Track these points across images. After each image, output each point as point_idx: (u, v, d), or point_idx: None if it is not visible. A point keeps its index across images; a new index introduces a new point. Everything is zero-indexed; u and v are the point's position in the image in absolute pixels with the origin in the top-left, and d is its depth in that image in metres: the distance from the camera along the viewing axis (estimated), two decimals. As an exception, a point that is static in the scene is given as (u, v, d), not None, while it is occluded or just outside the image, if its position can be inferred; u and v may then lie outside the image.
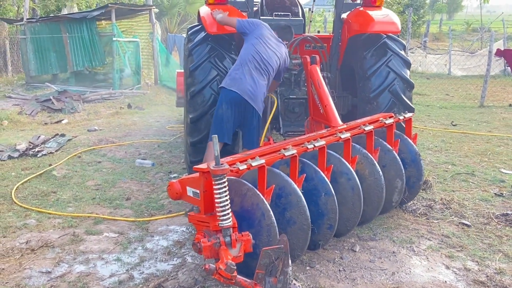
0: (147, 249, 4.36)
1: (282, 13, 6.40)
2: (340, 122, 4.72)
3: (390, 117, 4.90)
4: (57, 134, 8.71)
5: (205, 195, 3.50)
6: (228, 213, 3.23)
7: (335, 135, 4.24)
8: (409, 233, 4.54)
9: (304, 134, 5.77)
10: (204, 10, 5.68)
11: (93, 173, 6.60)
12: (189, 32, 5.85)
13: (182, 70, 10.54)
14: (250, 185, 3.57)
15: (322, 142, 4.00)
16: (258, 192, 3.53)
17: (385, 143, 4.68)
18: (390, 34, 5.81)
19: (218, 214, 3.22)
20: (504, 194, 5.58)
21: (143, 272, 3.95)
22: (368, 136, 4.49)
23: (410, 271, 3.83)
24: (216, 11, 5.42)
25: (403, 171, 4.62)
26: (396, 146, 4.75)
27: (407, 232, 4.56)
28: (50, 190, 5.87)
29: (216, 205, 3.22)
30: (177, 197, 3.92)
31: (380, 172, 4.38)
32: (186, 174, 6.38)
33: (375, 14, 5.74)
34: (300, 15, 6.80)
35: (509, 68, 17.37)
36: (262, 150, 3.95)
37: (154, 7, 16.04)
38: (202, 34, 5.65)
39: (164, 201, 5.57)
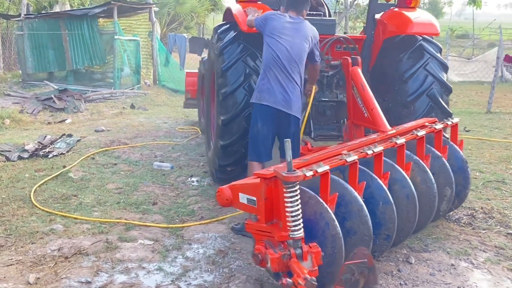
0: (188, 258, 4.12)
1: (314, 13, 6.20)
2: (388, 126, 4.53)
3: (434, 122, 4.74)
4: (64, 134, 8.38)
5: (267, 203, 3.28)
6: (300, 224, 3.01)
7: (390, 141, 4.04)
8: (461, 244, 4.37)
9: (341, 138, 5.58)
10: (236, 7, 5.46)
11: (111, 176, 6.32)
12: (218, 31, 5.63)
13: (191, 70, 10.37)
14: (312, 192, 3.36)
15: (380, 148, 3.81)
16: (322, 200, 3.33)
17: (434, 149, 4.51)
18: (426, 36, 5.67)
19: (289, 224, 3.00)
20: (541, 203, 5.45)
21: (190, 283, 3.71)
22: (419, 141, 4.31)
23: (477, 286, 3.65)
24: (250, 9, 5.20)
25: (453, 179, 4.46)
26: (445, 153, 4.58)
27: (458, 243, 4.39)
28: (70, 193, 5.58)
29: (287, 214, 3.00)
30: (227, 204, 3.70)
31: (433, 180, 4.20)
32: (209, 178, 6.17)
33: (412, 15, 5.57)
34: (327, 15, 6.62)
35: (508, 74, 17.42)
36: (320, 155, 3.74)
37: (154, 5, 15.75)
38: (233, 32, 5.43)
39: (193, 206, 5.32)
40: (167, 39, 17.71)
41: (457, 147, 4.74)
